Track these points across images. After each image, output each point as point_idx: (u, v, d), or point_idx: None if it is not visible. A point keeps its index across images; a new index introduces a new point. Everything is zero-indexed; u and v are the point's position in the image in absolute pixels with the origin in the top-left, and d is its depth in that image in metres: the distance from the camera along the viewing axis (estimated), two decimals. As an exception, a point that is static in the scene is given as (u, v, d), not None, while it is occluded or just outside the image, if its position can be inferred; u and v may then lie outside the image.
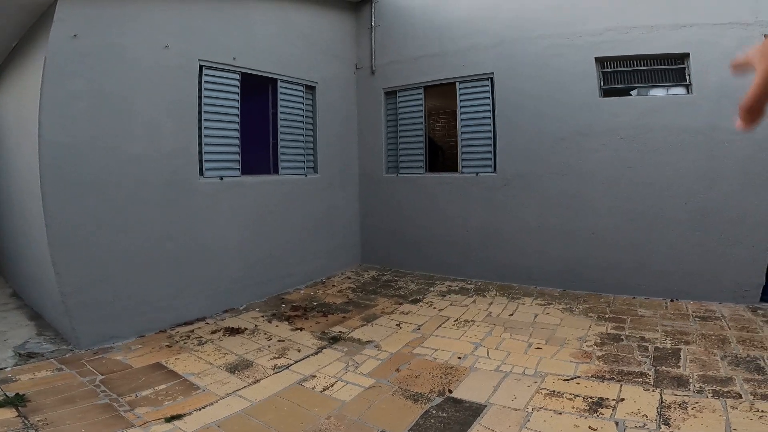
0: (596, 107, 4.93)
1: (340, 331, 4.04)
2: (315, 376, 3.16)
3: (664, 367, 3.05)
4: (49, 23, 3.47)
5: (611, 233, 4.90)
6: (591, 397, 2.69)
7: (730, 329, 3.68)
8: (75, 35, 3.55)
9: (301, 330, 4.10)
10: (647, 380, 2.87)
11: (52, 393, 2.86)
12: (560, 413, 2.54)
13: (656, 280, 4.66)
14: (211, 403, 2.77)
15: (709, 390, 2.69)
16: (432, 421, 2.52)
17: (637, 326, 3.87)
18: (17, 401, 2.71)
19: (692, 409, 2.50)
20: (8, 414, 2.59)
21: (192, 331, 4.11)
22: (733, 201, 4.32)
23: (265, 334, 4.03)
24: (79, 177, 3.62)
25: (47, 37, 3.46)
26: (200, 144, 4.52)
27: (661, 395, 2.67)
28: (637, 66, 4.79)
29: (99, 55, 3.71)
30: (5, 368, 3.24)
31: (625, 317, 4.13)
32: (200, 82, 4.50)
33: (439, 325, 4.12)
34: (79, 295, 3.64)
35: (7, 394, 2.80)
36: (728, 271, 4.36)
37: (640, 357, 3.24)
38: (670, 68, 4.63)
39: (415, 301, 4.92)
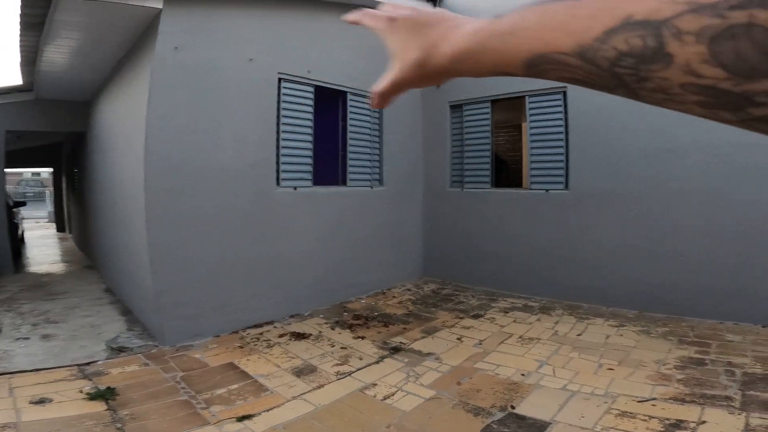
0: (686, 124, 4.51)
1: (400, 342, 4.07)
2: (376, 384, 3.20)
3: (752, 392, 2.78)
4: (153, 35, 3.80)
5: (701, 255, 4.51)
6: (668, 419, 2.51)
7: (835, 359, 3.25)
8: (176, 48, 3.85)
9: (362, 338, 4.18)
10: (732, 404, 2.63)
11: (139, 387, 3.06)
12: (633, 435, 2.39)
13: (749, 305, 4.22)
14: (279, 405, 2.87)
15: (805, 419, 2.41)
16: (493, 435, 2.47)
17: (724, 351, 3.54)
18: (107, 395, 2.91)
19: (785, 437, 2.25)
20: (98, 407, 2.77)
21: (261, 333, 4.32)
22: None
23: (328, 340, 4.15)
24: (176, 185, 3.95)
25: (152, 48, 3.78)
26: (278, 154, 4.75)
27: (746, 419, 2.44)
28: None
29: (196, 67, 4.00)
30: (98, 361, 3.52)
31: (711, 342, 3.78)
32: (279, 95, 4.73)
33: (502, 341, 4.02)
34: (171, 295, 3.93)
35: (99, 387, 3.03)
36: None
37: (726, 381, 2.96)
38: None
39: (476, 316, 4.84)
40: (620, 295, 4.97)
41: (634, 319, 4.56)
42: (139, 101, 3.98)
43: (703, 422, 2.46)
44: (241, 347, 3.95)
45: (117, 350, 3.78)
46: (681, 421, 2.50)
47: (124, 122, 4.76)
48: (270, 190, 4.70)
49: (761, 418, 2.45)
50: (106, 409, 2.76)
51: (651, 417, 2.56)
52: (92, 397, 2.90)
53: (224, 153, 4.28)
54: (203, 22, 4.09)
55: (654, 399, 2.78)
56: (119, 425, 2.58)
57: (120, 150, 4.98)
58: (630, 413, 2.63)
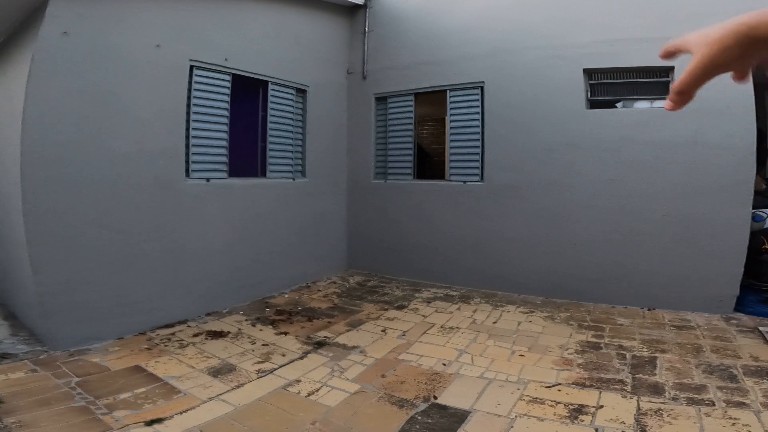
0: (583, 119, 5.03)
1: (325, 336, 4.03)
2: (300, 381, 3.14)
3: (641, 375, 3.13)
4: (39, 19, 3.41)
5: (593, 245, 5.00)
6: (572, 404, 2.75)
7: (704, 338, 3.80)
8: (65, 32, 3.49)
9: (285, 334, 4.07)
10: (625, 387, 2.94)
11: (27, 395, 2.78)
12: (542, 420, 2.58)
13: (635, 290, 4.77)
14: (194, 407, 2.72)
15: (683, 397, 2.77)
16: (417, 427, 2.54)
17: (616, 334, 3.97)
18: None
19: (668, 416, 2.57)
20: None
21: (173, 333, 4.04)
22: (711, 214, 4.45)
23: (248, 338, 3.99)
24: (63, 175, 3.55)
25: (36, 33, 3.40)
26: (187, 145, 4.47)
27: (638, 402, 2.74)
28: (623, 78, 4.90)
29: (89, 53, 3.65)
30: None
31: (605, 326, 4.22)
32: (190, 83, 4.46)
33: (425, 332, 4.15)
34: (57, 296, 3.55)
35: None
36: (704, 282, 4.49)
37: (618, 365, 3.32)
38: (656, 81, 4.75)
39: (400, 307, 4.94)
40: (529, 282, 5.36)
41: (541, 306, 4.95)
42: (18, 88, 3.54)
43: (602, 406, 2.72)
44: (149, 349, 3.67)
45: (-1, 357, 3.34)
46: (583, 405, 2.74)
47: (5, 109, 4.20)
48: (178, 181, 4.39)
49: (651, 402, 2.76)
50: None
51: (557, 402, 2.79)
52: None
53: (122, 141, 3.92)
54: (100, 5, 3.71)
55: (559, 384, 3.04)
56: None
57: (1, 138, 4.35)
58: (539, 399, 2.84)
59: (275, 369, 3.33)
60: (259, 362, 3.45)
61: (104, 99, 3.79)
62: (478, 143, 5.72)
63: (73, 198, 3.62)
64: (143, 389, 2.94)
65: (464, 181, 5.85)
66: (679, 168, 4.58)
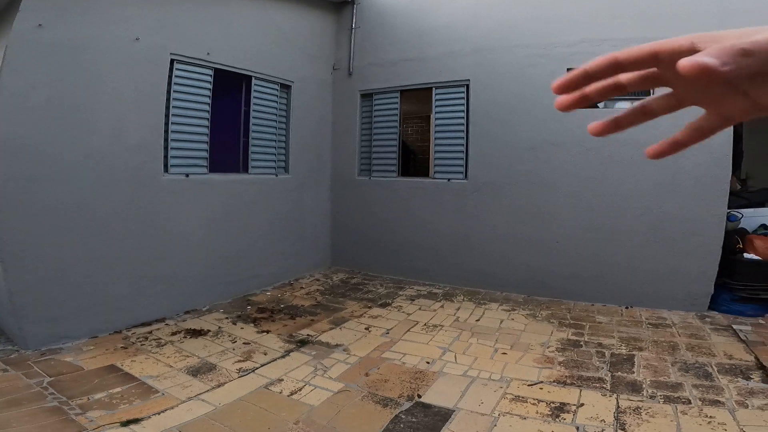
0: (565, 118, 5.03)
1: (308, 335, 3.98)
2: (282, 380, 3.10)
3: (619, 373, 3.18)
4: (14, 12, 3.28)
5: (573, 243, 5.07)
6: (553, 402, 2.78)
7: (680, 336, 3.89)
8: (40, 25, 3.37)
9: (267, 332, 4.01)
10: (605, 386, 2.99)
11: None
12: (525, 418, 2.60)
13: (613, 288, 4.86)
14: (172, 407, 2.66)
15: (661, 395, 2.83)
16: (401, 426, 2.53)
17: (595, 332, 4.03)
18: None
19: (646, 414, 2.61)
20: None
21: (150, 332, 3.94)
22: (687, 213, 4.56)
23: (229, 336, 3.92)
24: (34, 171, 3.42)
25: (10, 26, 3.27)
26: (166, 139, 4.35)
27: (617, 400, 2.78)
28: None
29: (65, 46, 3.53)
30: None
31: (585, 323, 4.29)
32: (170, 77, 4.34)
33: (408, 330, 4.14)
34: (28, 294, 3.43)
35: None
36: (680, 281, 4.60)
37: (597, 363, 3.37)
38: None
39: (384, 305, 4.92)
40: (511, 280, 5.41)
41: (523, 303, 5.00)
42: None
43: (582, 405, 2.76)
44: (125, 348, 3.58)
45: (-34, 357, 3.22)
46: (564, 404, 2.77)
47: None
48: (156, 176, 4.28)
49: (629, 400, 2.81)
50: None
51: (539, 401, 2.81)
52: None
53: (97, 136, 3.80)
54: None
55: (541, 382, 3.07)
56: None
57: None
58: (522, 397, 2.86)
59: (257, 368, 3.28)
60: (240, 361, 3.39)
61: (80, 92, 3.66)
62: (463, 141, 5.73)
63: (46, 193, 3.49)
64: (119, 389, 2.86)
65: (448, 179, 5.86)
66: (657, 167, 4.66)
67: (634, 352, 3.54)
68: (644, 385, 2.97)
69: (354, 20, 6.51)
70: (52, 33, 3.44)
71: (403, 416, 2.63)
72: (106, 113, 3.85)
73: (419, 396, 2.88)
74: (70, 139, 3.62)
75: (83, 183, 3.71)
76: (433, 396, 2.88)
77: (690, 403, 2.73)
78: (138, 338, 3.78)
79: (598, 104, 5.05)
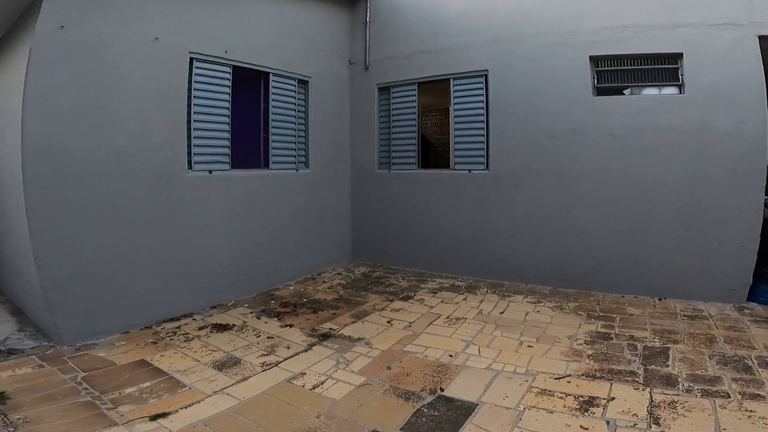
0: (589, 106, 4.94)
1: (330, 328, 3.99)
2: (305, 373, 3.11)
3: (653, 366, 3.06)
4: (35, 14, 3.37)
5: (601, 232, 4.92)
6: (582, 396, 2.69)
7: (717, 328, 3.72)
8: (62, 26, 3.45)
9: (290, 327, 4.05)
10: (637, 379, 2.88)
11: (33, 390, 2.78)
12: (552, 412, 2.53)
13: (645, 279, 4.69)
14: (198, 401, 2.71)
15: (698, 389, 2.71)
16: (424, 420, 2.50)
17: (627, 325, 3.90)
18: None
19: (682, 408, 2.51)
20: None
21: (178, 327, 4.03)
22: (721, 201, 4.37)
23: (253, 330, 3.97)
24: (64, 169, 3.53)
25: (33, 27, 3.36)
26: (189, 137, 4.43)
27: (651, 394, 2.68)
28: (630, 65, 4.80)
29: (87, 46, 3.62)
30: None
31: (615, 315, 4.15)
32: (190, 75, 4.41)
33: (431, 323, 4.10)
34: (61, 290, 3.54)
35: None
36: (716, 271, 4.40)
37: (629, 356, 3.25)
38: (664, 68, 4.65)
39: (406, 298, 4.89)
40: (536, 271, 5.30)
41: (549, 295, 4.88)
42: (17, 83, 3.51)
43: (613, 398, 2.66)
44: (155, 343, 3.66)
45: (6, 353, 3.37)
46: (593, 397, 2.68)
47: (4, 104, 4.19)
48: (180, 173, 4.36)
49: (663, 394, 2.70)
50: None
51: (567, 394, 2.73)
52: None
53: (122, 135, 3.89)
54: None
55: (569, 376, 2.98)
56: (11, 429, 2.33)
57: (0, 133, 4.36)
58: (549, 391, 2.79)
59: (280, 362, 3.30)
60: (263, 355, 3.42)
61: (103, 92, 3.75)
62: (483, 131, 5.64)
63: (75, 192, 3.59)
64: (148, 383, 2.93)
65: (469, 170, 5.77)
66: (689, 155, 4.49)
67: (668, 345, 3.40)
68: (680, 379, 2.85)
69: (368, 14, 6.49)
70: (74, 34, 3.53)
71: (425, 410, 2.60)
72: (129, 112, 3.93)
73: (442, 389, 2.84)
74: (95, 139, 3.71)
75: (109, 181, 3.80)
76: (456, 389, 2.84)
77: (729, 397, 2.60)
78: (167, 333, 3.87)
79: (624, 91, 4.88)
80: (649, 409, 2.51)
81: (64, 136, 3.53)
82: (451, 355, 3.37)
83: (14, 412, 2.50)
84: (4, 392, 2.71)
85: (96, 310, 3.72)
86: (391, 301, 4.81)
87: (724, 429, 2.28)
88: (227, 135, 4.78)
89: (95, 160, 3.71)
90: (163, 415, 2.54)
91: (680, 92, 4.56)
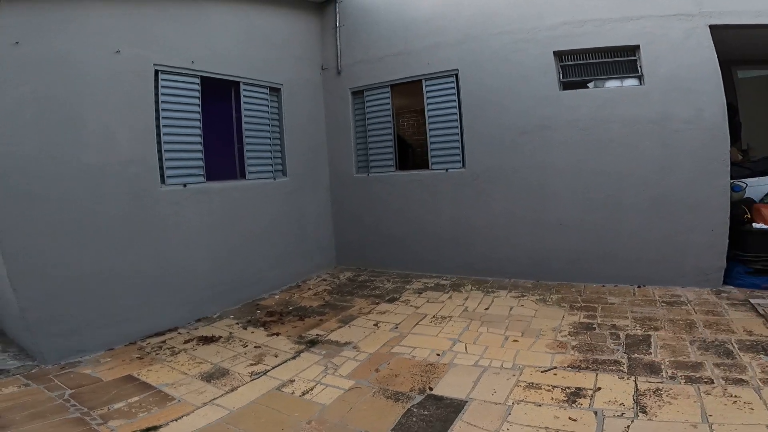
0: (556, 100, 5.05)
1: (317, 334, 3.99)
2: (293, 380, 3.10)
3: (636, 355, 3.12)
4: None
5: (577, 224, 5.02)
6: (569, 388, 2.74)
7: (696, 313, 3.81)
8: (17, 42, 3.38)
9: (277, 335, 4.03)
10: (621, 368, 2.94)
11: (21, 409, 2.74)
12: (540, 405, 2.57)
13: (623, 268, 4.80)
14: (188, 413, 2.69)
15: (681, 376, 2.75)
16: (414, 419, 2.51)
17: (608, 314, 3.98)
18: None
19: (667, 396, 2.54)
20: None
21: (164, 341, 3.98)
22: (689, 187, 4.49)
23: (240, 341, 3.93)
24: (31, 188, 3.45)
25: None
26: (160, 150, 4.36)
27: (636, 383, 2.72)
28: (593, 59, 4.94)
29: (44, 61, 3.54)
30: None
31: (596, 305, 4.24)
32: (156, 87, 4.35)
33: (417, 323, 4.13)
34: (39, 310, 3.47)
35: None
36: (690, 256, 4.53)
37: (612, 345, 3.32)
38: (623, 60, 4.79)
39: (391, 300, 4.91)
40: (518, 266, 5.37)
41: (532, 289, 4.96)
42: None
43: (599, 389, 2.70)
44: (141, 358, 3.61)
45: (-10, 373, 3.28)
46: (580, 388, 2.73)
47: None
48: (152, 188, 4.29)
49: (648, 382, 2.74)
50: None
51: (554, 387, 2.78)
52: None
53: (88, 151, 3.82)
54: (52, 12, 3.60)
55: (555, 368, 3.03)
56: None
57: None
58: (536, 384, 2.83)
59: (268, 370, 3.29)
60: (252, 364, 3.40)
61: (66, 108, 3.68)
62: (457, 130, 5.71)
63: (44, 211, 3.52)
64: (137, 398, 2.90)
65: (446, 169, 5.82)
66: (653, 145, 4.62)
67: (649, 333, 3.48)
68: (663, 366, 2.91)
69: (337, 19, 6.50)
70: (30, 49, 3.46)
71: (415, 410, 2.62)
72: (95, 127, 3.86)
73: (431, 389, 2.86)
74: (61, 155, 3.64)
75: (79, 198, 3.73)
76: (444, 388, 2.86)
77: (713, 382, 2.64)
78: (152, 348, 3.81)
79: (588, 84, 5.01)
80: (635, 397, 2.55)
81: (29, 154, 3.45)
82: (438, 354, 3.40)
83: (4, 431, 2.47)
84: None
85: (77, 328, 3.65)
86: (377, 303, 4.83)
87: (710, 415, 2.31)
88: (200, 147, 4.72)
89: (63, 178, 3.64)
90: (154, 428, 2.52)
91: (640, 83, 4.69)
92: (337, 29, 6.51)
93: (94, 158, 3.84)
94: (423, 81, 5.90)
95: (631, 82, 4.79)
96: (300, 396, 2.88)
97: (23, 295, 3.40)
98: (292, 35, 6.15)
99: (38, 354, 3.49)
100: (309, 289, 5.63)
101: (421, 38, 5.84)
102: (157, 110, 4.34)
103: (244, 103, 5.35)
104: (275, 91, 5.83)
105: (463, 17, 5.55)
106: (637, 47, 4.63)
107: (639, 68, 4.68)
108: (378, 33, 6.20)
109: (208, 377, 3.20)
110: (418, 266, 6.05)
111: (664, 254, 4.63)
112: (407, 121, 9.40)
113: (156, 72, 4.34)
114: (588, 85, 5.06)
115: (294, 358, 3.51)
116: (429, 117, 5.93)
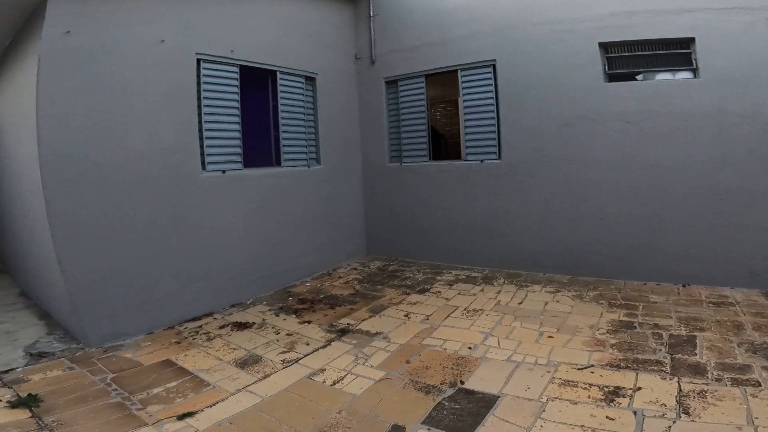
0: (601, 92, 4.87)
1: (348, 324, 4.01)
2: (324, 369, 3.13)
3: (680, 355, 2.99)
4: (41, 21, 3.41)
5: (620, 218, 4.84)
6: (607, 386, 2.65)
7: (744, 315, 3.62)
8: (68, 31, 3.48)
9: (308, 323, 4.08)
10: (664, 368, 2.83)
11: (65, 393, 2.85)
12: (575, 403, 2.50)
13: (667, 265, 4.59)
14: (222, 400, 2.75)
15: (727, 378, 2.64)
16: (445, 413, 2.49)
17: (650, 313, 3.82)
18: (30, 402, 2.70)
19: (712, 397, 2.45)
20: (22, 415, 2.57)
21: (200, 326, 4.09)
22: (743, 184, 4.25)
23: (273, 328, 4.00)
24: (80, 174, 3.58)
25: (40, 35, 3.39)
26: (201, 137, 4.47)
27: (679, 384, 2.62)
28: (642, 51, 4.71)
29: (94, 50, 3.65)
30: (16, 368, 3.23)
31: (637, 303, 4.08)
32: (198, 76, 4.44)
33: (448, 315, 4.09)
34: (86, 293, 3.62)
35: (20, 394, 2.79)
36: (740, 255, 4.28)
37: (654, 345, 3.19)
38: (676, 52, 4.55)
39: (422, 291, 4.88)
40: (554, 260, 5.23)
41: (568, 284, 4.82)
42: (29, 90, 3.56)
43: (639, 388, 2.61)
44: (178, 342, 3.72)
45: (37, 356, 3.46)
46: (619, 387, 2.64)
47: (15, 114, 4.28)
48: (194, 174, 4.40)
49: (692, 383, 2.64)
50: (30, 417, 2.55)
51: (591, 385, 2.69)
52: (14, 405, 2.67)
53: (134, 138, 3.93)
54: (102, 2, 3.68)
55: (592, 366, 2.94)
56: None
57: (14, 143, 4.47)
58: (572, 382, 2.75)
59: (300, 358, 3.33)
60: (284, 352, 3.46)
61: (113, 96, 3.78)
62: (494, 121, 5.59)
63: (93, 196, 3.65)
64: (174, 383, 2.98)
65: (481, 160, 5.71)
66: (707, 139, 4.39)
67: (695, 333, 3.33)
68: (708, 368, 2.78)
69: (371, 8, 6.46)
70: (80, 38, 3.56)
71: (445, 403, 2.59)
72: (140, 116, 3.97)
73: (462, 382, 2.83)
74: (108, 143, 3.76)
75: (124, 185, 3.85)
76: (476, 382, 2.82)
77: (760, 385, 2.53)
78: (189, 333, 3.93)
79: (637, 77, 4.78)
80: (677, 398, 2.46)
81: (79, 141, 3.57)
82: (470, 348, 3.36)
83: (48, 415, 2.56)
84: (37, 395, 2.77)
85: (121, 312, 3.79)
86: (408, 294, 4.81)
87: (756, 418, 2.22)
88: (238, 134, 4.82)
89: (110, 164, 3.76)
90: (190, 414, 2.58)
91: (694, 76, 4.46)
92: (371, 18, 6.47)
93: (139, 145, 3.96)
94: (459, 71, 5.79)
95: (684, 75, 4.57)
96: (331, 385, 2.91)
97: (71, 279, 3.54)
98: (326, 25, 6.16)
99: (83, 337, 3.64)
100: (339, 277, 5.67)
101: (456, 27, 5.73)
102: (198, 98, 4.44)
103: (281, 91, 5.41)
104: (310, 80, 5.87)
105: (501, 6, 5.41)
106: (692, 40, 4.40)
107: (693, 61, 4.44)
108: (412, 22, 6.11)
109: (242, 363, 3.27)
110: (448, 257, 5.98)
111: (713, 253, 4.40)
112: (439, 112, 9.29)
113: (198, 61, 4.44)
114: (636, 77, 4.83)
115: (325, 346, 3.54)
116: (464, 107, 5.82)
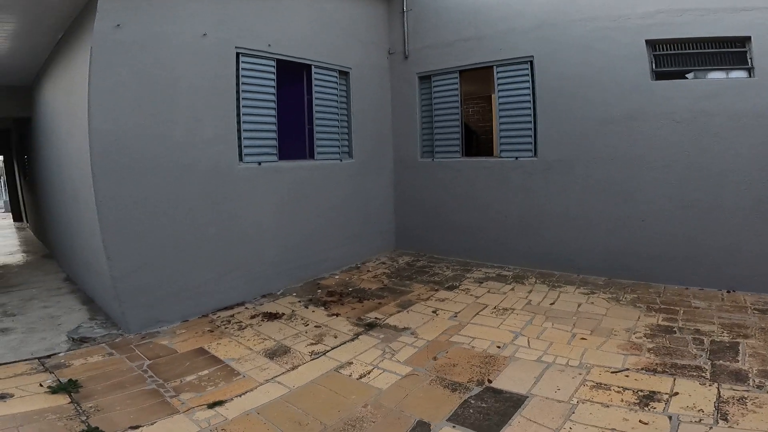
0: (648, 90, 4.65)
1: (375, 318, 4.02)
2: (352, 363, 3.15)
3: (721, 361, 2.85)
4: (92, 14, 3.55)
5: (663, 221, 4.63)
6: (641, 390, 2.55)
7: (793, 323, 3.40)
8: (118, 25, 3.61)
9: (337, 316, 4.12)
10: (703, 374, 2.70)
11: (103, 378, 2.94)
12: (608, 406, 2.42)
13: (711, 270, 4.37)
14: (251, 390, 2.80)
15: (771, 386, 2.49)
16: (471, 411, 2.46)
17: (691, 318, 3.65)
18: (70, 387, 2.79)
19: (752, 404, 2.33)
20: (61, 400, 2.65)
21: (232, 315, 4.20)
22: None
23: (302, 319, 4.07)
24: (127, 164, 3.72)
25: (92, 27, 3.53)
26: (239, 129, 4.58)
27: (718, 390, 2.50)
28: (692, 49, 4.48)
29: (142, 44, 3.78)
30: (59, 353, 3.35)
31: (678, 308, 3.90)
32: (237, 70, 4.55)
33: (477, 313, 4.03)
34: (129, 280, 3.75)
35: (61, 380, 2.89)
36: (793, 261, 4.02)
37: (695, 350, 3.04)
38: (730, 51, 4.31)
39: (451, 288, 4.84)
40: (589, 261, 5.07)
41: (603, 286, 4.66)
42: (81, 81, 3.71)
43: (676, 393, 2.51)
44: (211, 331, 3.83)
45: (79, 341, 3.61)
46: (654, 392, 2.54)
47: (67, 104, 4.46)
48: (232, 165, 4.52)
49: (732, 390, 2.51)
50: (70, 402, 2.63)
51: (625, 389, 2.60)
52: (54, 390, 2.77)
53: (178, 129, 4.06)
54: None
55: (627, 369, 2.83)
56: (84, 418, 2.46)
57: (65, 133, 4.67)
58: (604, 385, 2.66)
59: (328, 351, 3.37)
60: (312, 344, 3.50)
61: (159, 89, 3.92)
62: (530, 118, 5.46)
63: (138, 186, 3.80)
64: (206, 372, 3.05)
65: (516, 157, 5.59)
66: (762, 139, 4.14)
67: (738, 340, 3.15)
68: (750, 375, 2.65)
69: (405, 3, 6.42)
70: (130, 32, 3.69)
71: (472, 401, 2.56)
72: (184, 108, 4.10)
73: (489, 381, 2.79)
74: (154, 134, 3.89)
75: (168, 176, 3.99)
76: (504, 381, 2.77)
77: (805, 395, 2.38)
78: (222, 321, 4.04)
79: (687, 75, 4.54)
80: (716, 404, 2.35)
81: (128, 132, 3.71)
82: (498, 347, 3.30)
83: (86, 401, 2.65)
84: (77, 381, 2.88)
85: (160, 299, 3.92)
86: (436, 290, 4.78)
87: (799, 428, 2.09)
88: (274, 127, 4.91)
89: (155, 155, 3.89)
90: (220, 403, 2.63)
91: (750, 75, 4.21)
92: (405, 13, 6.44)
93: (183, 136, 4.10)
94: (494, 67, 5.69)
95: (738, 74, 4.32)
96: (357, 379, 2.92)
97: (116, 265, 3.70)
98: (360, 20, 6.18)
99: (123, 323, 3.78)
100: (368, 271, 5.69)
101: (492, 23, 5.63)
102: (237, 91, 4.55)
103: (315, 85, 5.49)
104: (344, 74, 5.91)
105: (539, 2, 5.27)
106: (748, 38, 4.16)
107: (749, 60, 4.19)
108: (447, 18, 6.05)
109: (271, 354, 3.33)
110: (478, 255, 5.91)
111: (761, 259, 4.15)
112: (472, 108, 9.16)
113: (237, 54, 4.54)
114: (686, 76, 4.60)
115: (353, 340, 3.56)
116: (499, 104, 5.73)
